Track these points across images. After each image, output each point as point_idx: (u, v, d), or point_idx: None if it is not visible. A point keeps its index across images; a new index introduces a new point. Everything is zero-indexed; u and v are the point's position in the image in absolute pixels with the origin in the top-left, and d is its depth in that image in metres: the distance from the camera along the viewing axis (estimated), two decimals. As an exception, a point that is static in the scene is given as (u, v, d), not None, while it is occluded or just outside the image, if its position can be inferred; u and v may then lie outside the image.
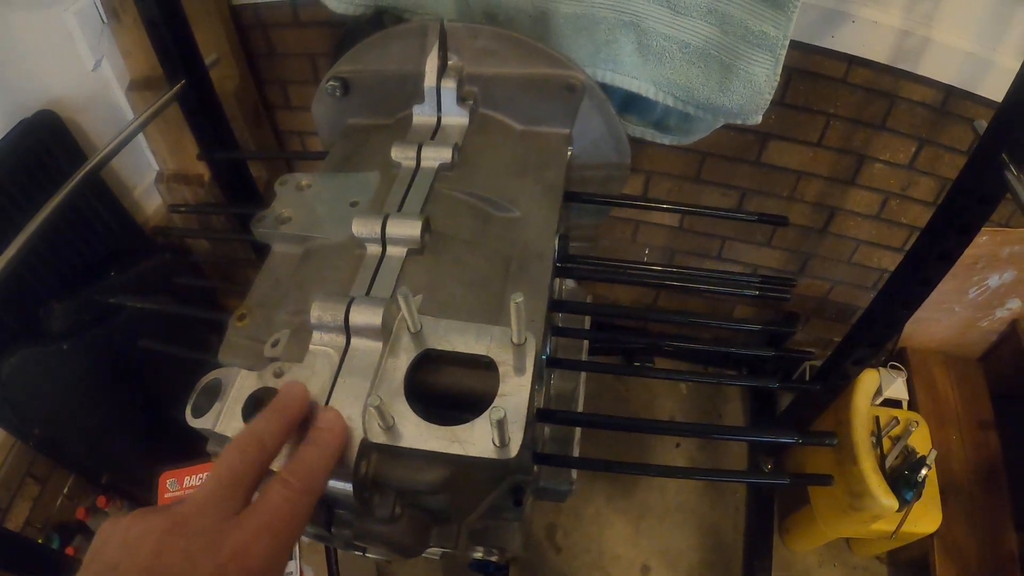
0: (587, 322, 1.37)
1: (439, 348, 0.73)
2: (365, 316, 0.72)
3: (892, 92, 1.96)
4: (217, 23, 2.15)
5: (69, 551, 2.01)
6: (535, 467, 1.03)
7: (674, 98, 1.25)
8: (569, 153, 1.12)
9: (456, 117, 1.08)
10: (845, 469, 2.16)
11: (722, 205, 2.37)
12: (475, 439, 0.66)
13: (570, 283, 1.38)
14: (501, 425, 0.62)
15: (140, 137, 2.27)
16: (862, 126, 2.06)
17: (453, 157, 0.99)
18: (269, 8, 2.22)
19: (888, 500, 2.05)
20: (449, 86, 1.06)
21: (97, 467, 2.21)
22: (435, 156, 0.99)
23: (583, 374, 1.27)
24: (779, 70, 1.17)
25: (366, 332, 0.73)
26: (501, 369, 0.70)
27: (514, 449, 0.65)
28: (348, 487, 0.67)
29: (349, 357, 0.73)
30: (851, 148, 2.12)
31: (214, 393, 0.72)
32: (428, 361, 0.74)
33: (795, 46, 1.85)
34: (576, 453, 1.19)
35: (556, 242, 0.93)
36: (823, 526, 2.35)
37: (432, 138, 1.04)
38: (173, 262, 2.20)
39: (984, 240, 2.25)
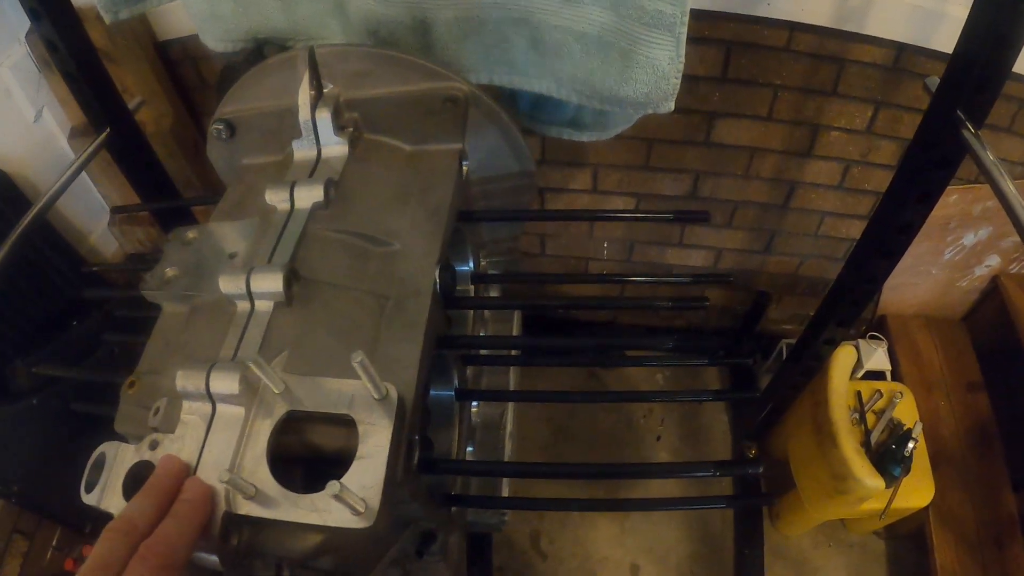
0: (516, 326, 1.30)
1: (301, 409, 0.70)
2: (224, 383, 0.70)
3: (840, 56, 1.87)
4: (143, 62, 2.08)
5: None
6: (451, 509, 0.98)
7: (578, 94, 1.16)
8: (464, 169, 1.05)
9: (336, 147, 1.00)
10: (826, 451, 2.09)
11: (676, 191, 2.30)
12: (332, 507, 0.62)
13: (495, 292, 1.30)
14: (346, 497, 0.60)
15: (89, 183, 2.23)
16: (813, 94, 1.98)
17: (327, 194, 0.92)
18: (195, 41, 2.13)
19: (873, 481, 1.98)
20: (324, 116, 0.98)
21: (80, 517, 2.22)
22: (308, 196, 0.92)
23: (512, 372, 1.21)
24: (682, 51, 1.09)
25: (228, 398, 0.70)
26: (360, 428, 0.67)
27: (372, 515, 0.62)
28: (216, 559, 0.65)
29: (216, 424, 0.70)
30: (804, 119, 2.04)
31: (100, 468, 0.71)
32: (294, 422, 0.71)
33: (729, 18, 1.80)
34: (506, 487, 1.11)
35: (437, 274, 0.85)
36: (810, 509, 2.29)
37: (311, 174, 0.97)
38: (101, 322, 2.15)
39: (954, 199, 2.19)
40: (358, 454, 0.65)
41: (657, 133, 2.13)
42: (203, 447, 0.69)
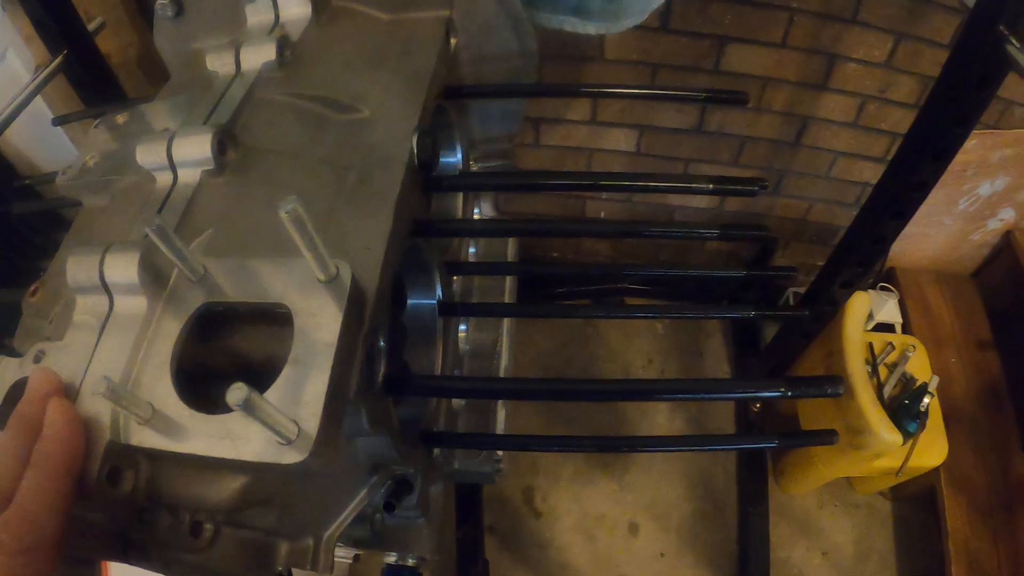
0: (511, 253, 1.14)
1: (223, 300, 0.53)
2: (120, 269, 0.54)
3: None
4: None
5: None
6: (435, 451, 0.83)
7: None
8: (453, 42, 0.90)
9: (296, 8, 0.85)
10: (841, 404, 1.98)
11: (680, 124, 2.16)
12: (251, 433, 0.46)
13: (487, 209, 1.15)
14: (262, 414, 0.43)
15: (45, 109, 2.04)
16: (830, 21, 1.85)
17: (280, 54, 0.78)
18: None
19: (891, 435, 1.86)
20: None
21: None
22: (257, 56, 0.78)
23: (506, 323, 1.04)
24: None
25: (128, 289, 0.54)
26: (297, 322, 0.50)
27: (307, 445, 0.45)
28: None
29: (111, 324, 0.54)
30: (820, 47, 1.91)
31: None
32: (213, 319, 0.54)
33: None
34: (501, 426, 0.96)
35: (415, 140, 0.70)
36: (821, 467, 2.18)
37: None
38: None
39: (973, 144, 2.06)
40: (291, 357, 0.49)
41: (663, 58, 1.99)
42: (92, 356, 0.53)
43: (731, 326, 2.74)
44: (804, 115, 2.10)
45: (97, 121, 0.83)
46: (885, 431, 1.86)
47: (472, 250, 1.11)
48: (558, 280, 2.59)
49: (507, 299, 1.10)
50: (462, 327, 1.02)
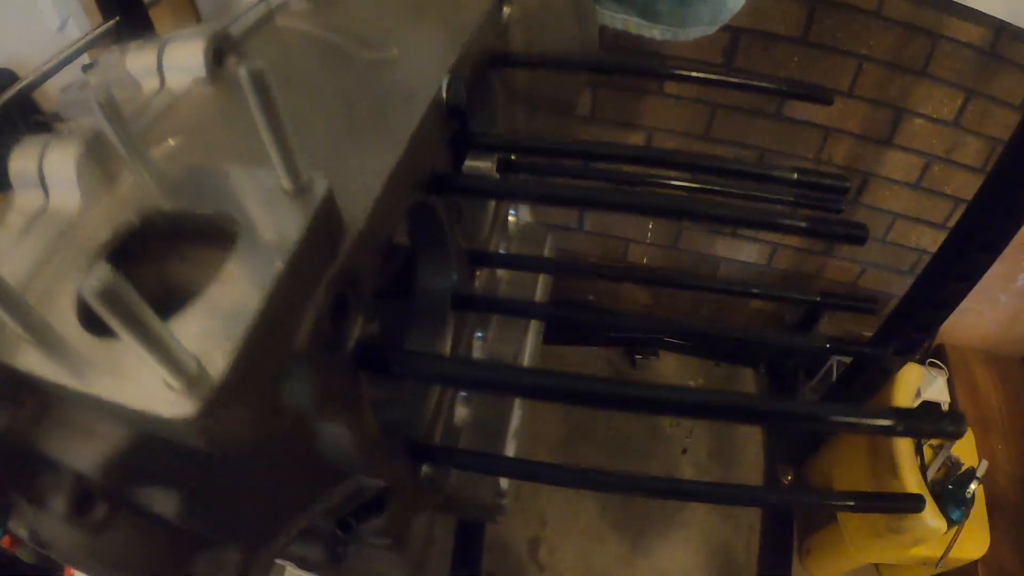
0: (539, 292, 1.02)
1: (165, 208, 0.42)
2: (59, 160, 0.43)
3: (934, 30, 1.69)
4: None
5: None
6: (423, 471, 0.67)
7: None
8: (506, 11, 0.82)
9: None
10: (883, 483, 1.85)
11: (783, 233, 2.07)
12: (142, 371, 0.32)
13: (525, 216, 1.05)
14: (146, 334, 0.29)
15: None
16: (900, 71, 1.78)
17: None
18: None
19: (935, 521, 1.74)
20: None
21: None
22: None
23: (532, 327, 0.92)
24: None
25: (65, 183, 0.43)
26: (243, 235, 0.38)
27: (202, 396, 0.32)
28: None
29: (38, 224, 0.43)
30: (887, 99, 1.84)
31: None
32: (157, 233, 0.42)
33: None
34: (511, 449, 0.82)
35: (446, 82, 0.60)
36: (853, 551, 2.03)
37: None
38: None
39: (1038, 216, 1.93)
40: (221, 276, 0.36)
41: (724, 98, 1.92)
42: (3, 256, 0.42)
43: (768, 390, 2.62)
44: (865, 171, 2.01)
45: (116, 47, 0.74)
46: (930, 515, 1.73)
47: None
48: (591, 326, 2.50)
49: (531, 340, 0.97)
50: (478, 334, 0.90)
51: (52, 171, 0.43)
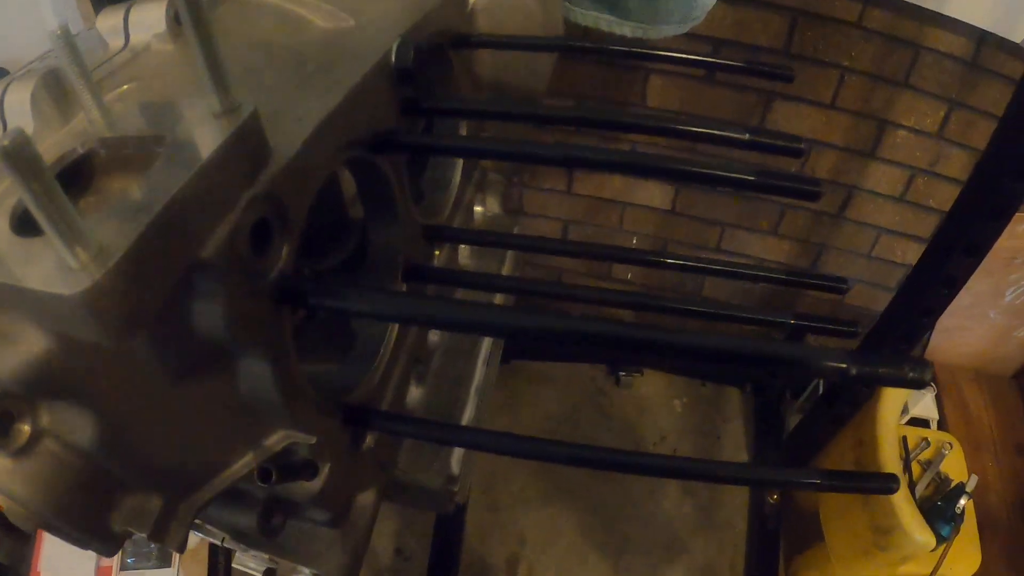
0: (508, 263, 1.00)
1: (106, 135, 0.44)
2: (18, 91, 0.47)
3: (915, 41, 1.70)
4: None
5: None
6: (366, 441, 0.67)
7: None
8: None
9: None
10: (869, 500, 1.83)
11: (735, 188, 2.06)
12: (46, 258, 0.35)
13: (494, 208, 1.03)
14: (44, 204, 0.32)
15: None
16: (882, 82, 1.78)
17: None
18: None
19: (924, 536, 1.70)
20: None
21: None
22: None
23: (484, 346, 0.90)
24: None
25: (20, 113, 0.47)
26: (167, 149, 0.41)
27: (96, 271, 0.33)
28: None
29: None
30: (870, 111, 1.84)
31: None
32: (100, 160, 0.44)
33: None
34: (466, 418, 0.80)
35: (395, 46, 0.61)
36: (839, 568, 2.00)
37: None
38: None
39: (1023, 229, 1.95)
40: (139, 180, 0.39)
41: (708, 110, 1.91)
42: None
43: (753, 410, 2.60)
44: (849, 184, 2.01)
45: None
46: (918, 531, 1.70)
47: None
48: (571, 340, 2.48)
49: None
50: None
51: (11, 103, 0.47)
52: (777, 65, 0.85)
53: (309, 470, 0.57)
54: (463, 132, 0.86)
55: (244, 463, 0.53)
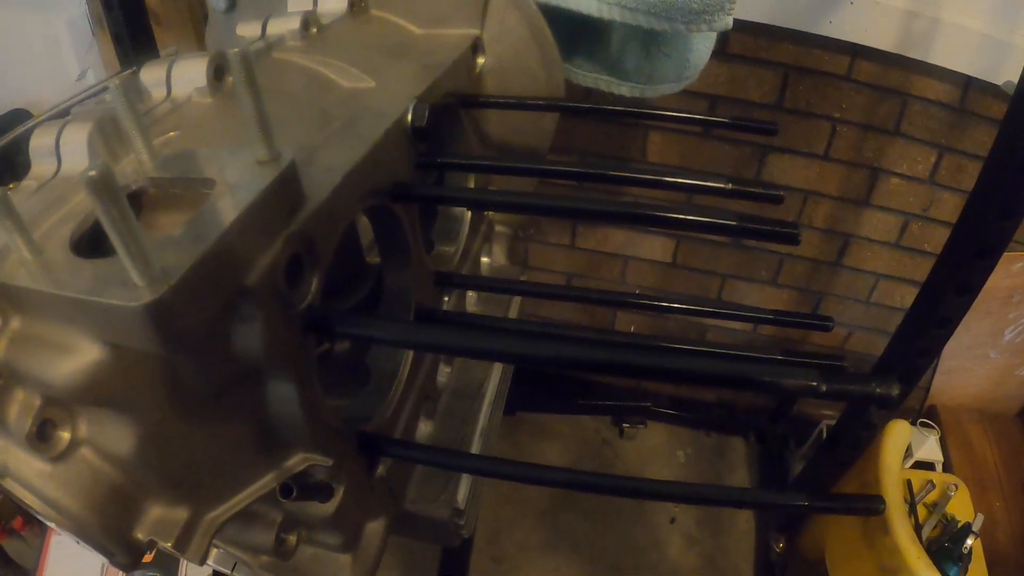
0: (514, 309, 1.06)
1: (157, 175, 0.50)
2: (75, 132, 0.52)
3: (903, 90, 1.75)
4: (188, 24, 1.99)
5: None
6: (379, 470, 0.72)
7: (620, 8, 0.99)
8: (480, 61, 0.90)
9: (333, 3, 0.87)
10: (875, 542, 1.81)
11: (718, 234, 2.10)
12: (112, 278, 0.40)
13: (500, 259, 1.09)
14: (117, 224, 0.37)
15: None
16: (873, 132, 1.83)
17: (304, 27, 0.78)
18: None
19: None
20: None
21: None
22: (281, 26, 0.79)
23: (497, 369, 0.95)
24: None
25: (76, 153, 0.53)
26: (216, 190, 0.47)
27: (157, 289, 0.39)
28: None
29: (48, 185, 0.52)
30: (863, 160, 1.89)
31: None
32: (150, 198, 0.50)
33: (789, 36, 1.69)
34: (475, 448, 0.85)
35: (412, 106, 0.68)
36: (847, 613, 1.98)
37: (304, 27, 0.82)
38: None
39: (1020, 267, 1.99)
40: (193, 218, 0.44)
41: (705, 164, 1.97)
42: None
43: (757, 458, 2.60)
44: (846, 232, 2.05)
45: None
46: (924, 571, 1.68)
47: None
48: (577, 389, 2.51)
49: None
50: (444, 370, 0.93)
51: (67, 143, 0.52)
52: (761, 121, 0.91)
53: (325, 492, 0.62)
54: (471, 185, 0.93)
55: (266, 481, 0.57)
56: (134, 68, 1.31)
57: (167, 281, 0.39)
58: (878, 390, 0.49)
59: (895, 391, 0.49)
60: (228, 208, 0.44)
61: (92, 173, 0.35)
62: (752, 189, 0.70)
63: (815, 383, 0.46)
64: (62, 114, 0.89)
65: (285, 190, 0.49)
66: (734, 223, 0.63)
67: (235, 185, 0.46)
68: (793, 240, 0.63)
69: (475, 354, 0.64)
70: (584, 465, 2.53)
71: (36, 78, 1.94)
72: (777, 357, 0.81)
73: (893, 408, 1.68)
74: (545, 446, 2.56)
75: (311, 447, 0.58)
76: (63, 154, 0.52)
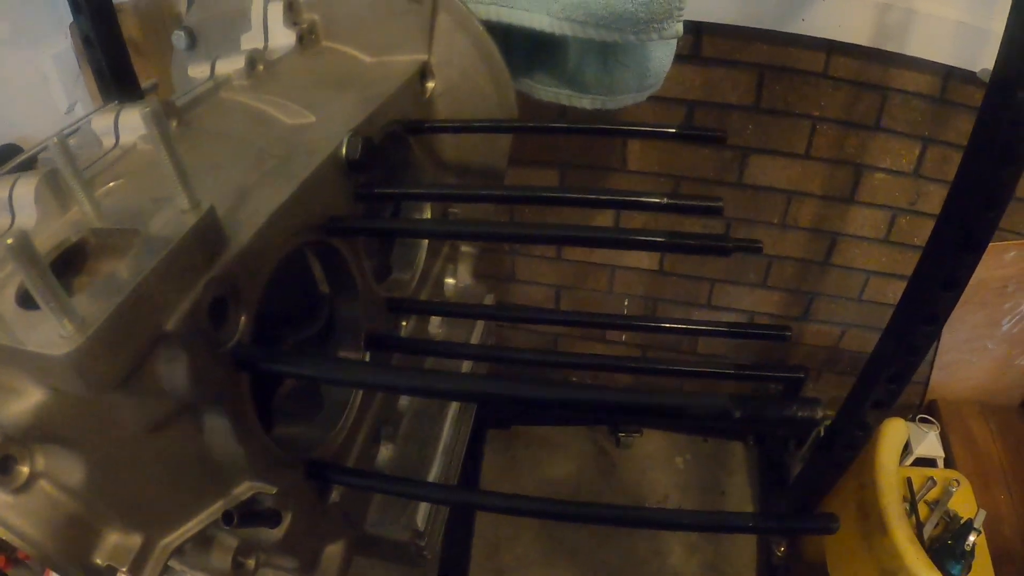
0: (478, 332, 1.05)
1: (96, 227, 0.54)
2: (25, 186, 0.56)
3: (882, 84, 1.73)
4: (168, 54, 2.03)
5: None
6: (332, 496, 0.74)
7: (571, 24, 0.98)
8: (429, 86, 0.89)
9: (282, 39, 0.89)
10: (874, 543, 1.80)
11: (649, 250, 2.08)
12: (46, 329, 0.44)
13: (466, 279, 1.08)
14: (38, 282, 0.41)
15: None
16: (854, 128, 1.81)
17: (250, 65, 0.80)
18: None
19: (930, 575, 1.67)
20: (275, 5, 0.87)
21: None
22: (228, 66, 0.81)
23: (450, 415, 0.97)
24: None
25: (26, 206, 0.56)
26: (139, 240, 0.51)
27: (76, 340, 0.43)
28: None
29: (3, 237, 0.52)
30: (845, 157, 1.87)
31: None
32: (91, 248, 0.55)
33: (762, 36, 1.67)
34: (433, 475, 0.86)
35: (346, 139, 0.68)
36: (850, 616, 1.96)
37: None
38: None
39: (1012, 256, 1.97)
40: (116, 268, 0.48)
41: (687, 170, 1.96)
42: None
43: (757, 462, 2.58)
44: (833, 231, 2.03)
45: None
46: (924, 570, 1.66)
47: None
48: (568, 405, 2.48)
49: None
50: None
51: (18, 195, 0.55)
52: (708, 128, 0.91)
53: (273, 519, 0.65)
54: (427, 212, 0.92)
55: (215, 509, 0.60)
56: (116, 102, 1.33)
57: (85, 332, 0.43)
58: (800, 414, 0.48)
59: (818, 415, 0.48)
60: (145, 258, 0.47)
61: (9, 241, 0.39)
62: (687, 203, 0.71)
63: (728, 409, 0.46)
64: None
65: (204, 237, 0.52)
66: (662, 239, 0.66)
67: (155, 236, 0.49)
68: (725, 252, 0.63)
69: (396, 391, 0.67)
70: (582, 476, 2.52)
71: (26, 113, 1.96)
72: (745, 371, 0.81)
73: (889, 408, 1.65)
74: (542, 458, 2.55)
75: (254, 476, 0.61)
76: (16, 208, 0.55)
